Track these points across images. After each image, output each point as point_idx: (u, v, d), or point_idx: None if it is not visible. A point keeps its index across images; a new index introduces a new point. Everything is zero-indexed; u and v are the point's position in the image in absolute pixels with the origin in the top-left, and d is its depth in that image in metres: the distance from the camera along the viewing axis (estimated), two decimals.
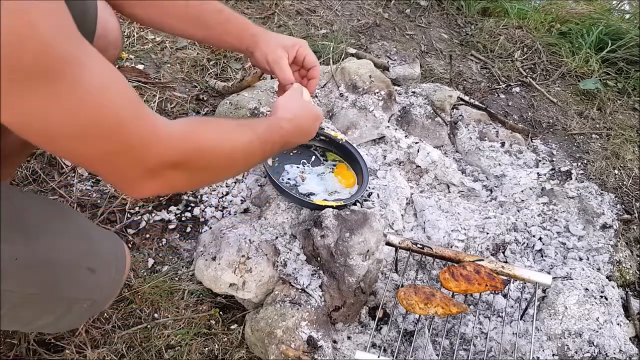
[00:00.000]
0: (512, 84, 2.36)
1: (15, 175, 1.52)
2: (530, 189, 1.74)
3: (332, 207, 1.43)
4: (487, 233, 1.59)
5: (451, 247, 1.53)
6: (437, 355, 1.31)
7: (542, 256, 1.58)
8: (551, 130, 2.17)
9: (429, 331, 1.32)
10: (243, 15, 1.21)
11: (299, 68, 1.27)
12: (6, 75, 0.53)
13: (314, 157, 1.67)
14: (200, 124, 0.84)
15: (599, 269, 1.56)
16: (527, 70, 2.44)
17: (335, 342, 1.34)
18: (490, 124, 2.02)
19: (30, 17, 0.52)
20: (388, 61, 2.22)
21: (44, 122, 0.59)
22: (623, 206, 1.81)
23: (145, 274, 1.44)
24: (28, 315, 0.87)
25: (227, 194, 1.62)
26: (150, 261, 1.46)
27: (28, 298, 0.82)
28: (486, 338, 1.33)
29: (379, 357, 1.20)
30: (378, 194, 1.61)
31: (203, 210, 1.58)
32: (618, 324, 1.41)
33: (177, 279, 1.43)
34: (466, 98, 2.10)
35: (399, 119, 1.93)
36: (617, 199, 1.77)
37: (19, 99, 0.56)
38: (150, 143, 0.70)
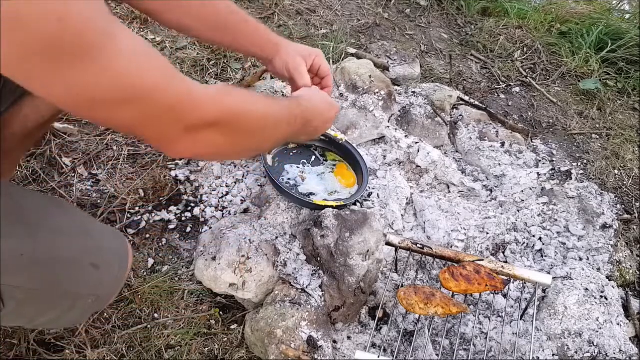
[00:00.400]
0: (512, 84, 2.36)
1: (15, 176, 1.52)
2: (530, 189, 1.74)
3: (332, 207, 1.43)
4: (487, 233, 1.59)
5: (451, 247, 1.53)
6: (437, 355, 1.31)
7: (542, 256, 1.58)
8: (551, 130, 2.17)
9: (429, 331, 1.32)
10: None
11: (313, 76, 1.32)
12: (50, 55, 0.57)
13: (314, 157, 1.67)
14: (233, 88, 0.89)
15: (599, 269, 1.56)
16: (527, 70, 2.44)
17: (335, 342, 1.34)
18: (490, 124, 2.02)
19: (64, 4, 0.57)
20: (388, 61, 2.22)
21: (90, 94, 0.63)
22: (623, 206, 1.81)
23: (145, 274, 1.44)
24: (32, 312, 0.87)
25: (227, 194, 1.62)
26: (150, 261, 1.46)
27: (32, 294, 0.82)
28: (486, 338, 1.33)
29: (379, 357, 1.20)
30: (378, 194, 1.61)
31: (203, 210, 1.58)
32: (618, 324, 1.41)
33: (177, 279, 1.43)
34: (466, 98, 2.10)
35: (399, 119, 1.93)
36: (617, 199, 1.77)
37: (65, 75, 0.60)
38: (187, 102, 0.73)
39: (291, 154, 1.65)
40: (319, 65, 1.31)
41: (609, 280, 1.52)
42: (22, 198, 0.85)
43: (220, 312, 1.40)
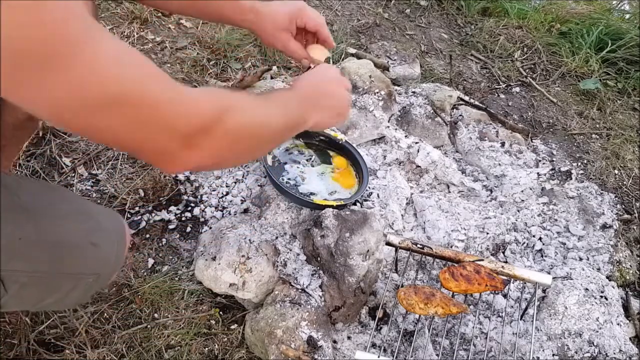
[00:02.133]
0: (512, 84, 2.36)
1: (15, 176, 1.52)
2: (530, 189, 1.74)
3: (332, 206, 1.43)
4: (487, 233, 1.59)
5: (451, 247, 1.53)
6: (437, 355, 1.31)
7: (542, 256, 1.58)
8: (551, 130, 2.17)
9: (429, 331, 1.32)
10: None
11: (306, 35, 1.24)
12: (18, 62, 0.55)
13: (314, 157, 1.67)
14: (222, 89, 0.86)
15: (599, 269, 1.56)
16: (527, 70, 2.44)
17: (335, 342, 1.34)
18: (490, 124, 2.02)
19: (38, 5, 0.54)
20: (388, 61, 2.22)
21: (68, 101, 0.60)
22: (623, 206, 1.81)
23: (145, 274, 1.44)
24: (35, 294, 0.87)
25: (227, 194, 1.62)
26: (150, 261, 1.46)
27: (34, 277, 0.82)
28: (486, 338, 1.33)
29: (379, 357, 1.20)
30: (378, 194, 1.61)
31: (203, 210, 1.58)
32: (618, 324, 1.41)
33: (177, 279, 1.43)
34: (466, 98, 2.10)
35: (399, 119, 1.93)
36: (617, 199, 1.77)
37: (41, 82, 0.57)
38: (177, 107, 0.69)
39: (291, 153, 1.65)
40: (304, 24, 1.20)
41: (609, 280, 1.52)
42: (18, 187, 0.84)
43: (220, 312, 1.39)
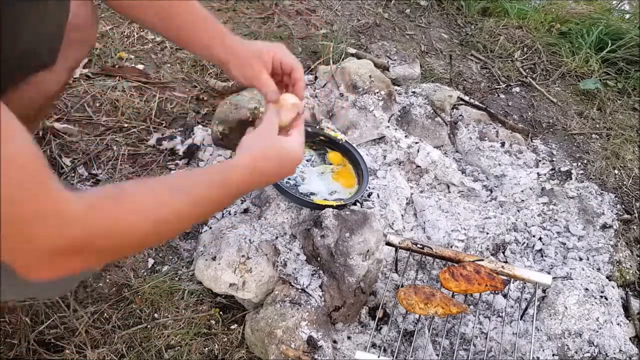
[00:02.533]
0: (512, 84, 2.36)
1: None
2: (530, 189, 1.74)
3: (332, 206, 1.43)
4: (487, 233, 1.59)
5: (451, 247, 1.53)
6: (437, 355, 1.31)
7: (542, 256, 1.58)
8: (551, 130, 2.17)
9: (429, 331, 1.32)
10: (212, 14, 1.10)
11: (280, 76, 1.13)
12: None
13: (314, 157, 1.67)
14: (114, 199, 0.70)
15: (599, 269, 1.56)
16: (527, 70, 2.44)
17: (335, 342, 1.34)
18: (490, 124, 2.02)
19: None
20: (388, 61, 2.22)
21: None
22: (623, 206, 1.81)
23: (145, 274, 1.44)
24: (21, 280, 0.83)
25: None
26: (150, 261, 1.46)
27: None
28: (486, 338, 1.33)
29: (379, 357, 1.20)
30: (378, 194, 1.61)
31: None
32: (618, 324, 1.41)
33: (177, 279, 1.43)
34: (466, 98, 2.10)
35: (399, 119, 1.93)
36: (617, 199, 1.77)
37: None
38: (47, 219, 0.60)
39: None
40: (279, 62, 1.10)
41: (609, 280, 1.52)
42: None
43: (220, 312, 1.39)
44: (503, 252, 1.58)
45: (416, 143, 1.77)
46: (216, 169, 0.98)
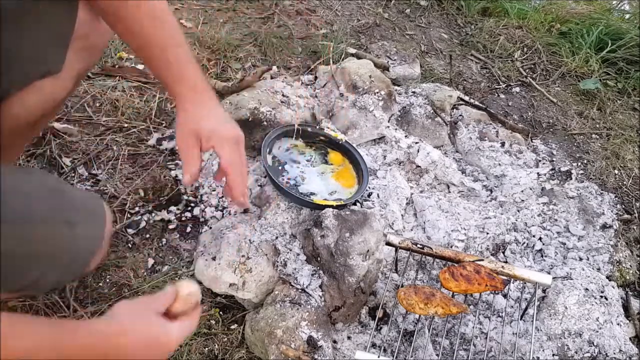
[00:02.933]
0: (512, 84, 2.36)
1: None
2: (530, 189, 1.74)
3: (332, 206, 1.43)
4: (487, 233, 1.59)
5: (451, 247, 1.53)
6: (437, 355, 1.31)
7: (542, 256, 1.58)
8: (551, 130, 2.17)
9: (429, 331, 1.32)
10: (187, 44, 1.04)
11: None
12: None
13: (314, 157, 1.67)
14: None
15: (599, 269, 1.56)
16: (527, 70, 2.44)
17: (335, 342, 1.34)
18: (490, 124, 2.02)
19: None
20: (388, 61, 2.22)
21: None
22: (623, 206, 1.81)
23: (145, 274, 1.44)
24: (9, 274, 0.81)
25: None
26: (150, 261, 1.46)
27: (5, 255, 0.76)
28: (486, 338, 1.33)
29: (379, 357, 1.20)
30: (378, 194, 1.61)
31: (203, 210, 1.58)
32: (618, 324, 1.41)
33: (177, 279, 1.43)
34: (466, 98, 2.10)
35: (399, 119, 1.93)
36: (617, 199, 1.77)
37: None
38: None
39: (291, 153, 1.65)
40: (220, 154, 1.04)
41: (609, 280, 1.52)
42: None
43: (220, 312, 1.40)
44: (503, 252, 1.58)
45: (416, 143, 1.77)
46: (84, 336, 0.78)
